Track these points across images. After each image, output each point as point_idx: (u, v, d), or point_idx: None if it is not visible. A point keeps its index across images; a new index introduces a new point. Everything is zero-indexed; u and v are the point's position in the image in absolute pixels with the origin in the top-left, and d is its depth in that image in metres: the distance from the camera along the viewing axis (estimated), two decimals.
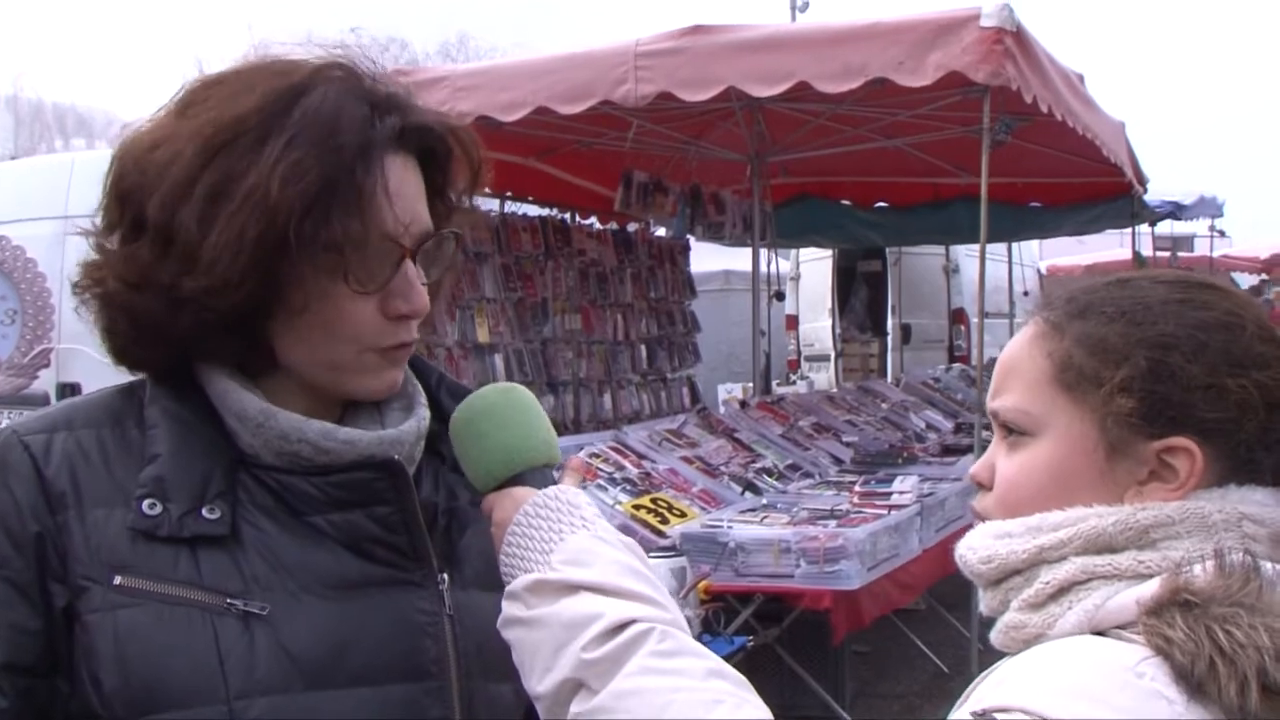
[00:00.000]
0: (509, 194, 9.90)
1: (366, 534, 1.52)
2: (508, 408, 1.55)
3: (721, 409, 9.32)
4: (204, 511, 1.46)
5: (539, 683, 1.37)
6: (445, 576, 1.55)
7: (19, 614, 1.43)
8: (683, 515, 6.21)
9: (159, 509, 1.45)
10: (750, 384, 11.07)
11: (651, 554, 4.85)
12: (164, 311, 1.46)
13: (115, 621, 1.41)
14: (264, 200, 1.41)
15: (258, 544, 1.47)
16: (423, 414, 1.61)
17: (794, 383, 15.22)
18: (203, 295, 1.43)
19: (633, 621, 1.35)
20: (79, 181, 9.14)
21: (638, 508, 6.12)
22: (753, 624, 5.79)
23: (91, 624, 1.42)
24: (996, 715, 1.24)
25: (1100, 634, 1.32)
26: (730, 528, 5.95)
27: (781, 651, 6.09)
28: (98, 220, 1.54)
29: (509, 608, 1.42)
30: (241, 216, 1.41)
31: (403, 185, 1.50)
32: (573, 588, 1.39)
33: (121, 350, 1.54)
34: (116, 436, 1.52)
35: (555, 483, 1.51)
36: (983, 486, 1.51)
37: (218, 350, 1.51)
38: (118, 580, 1.42)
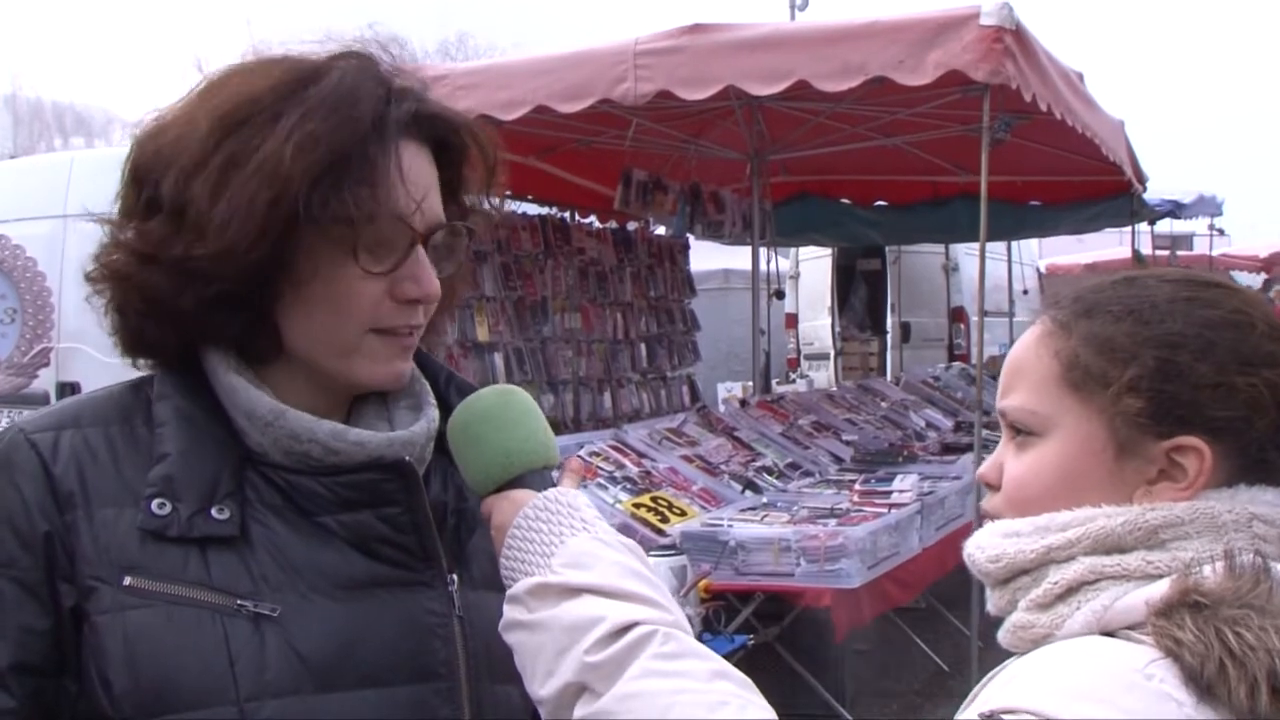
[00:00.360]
0: (508, 193, 9.87)
1: (375, 534, 1.51)
2: (505, 410, 1.54)
3: (721, 407, 9.32)
4: (213, 512, 1.45)
5: (541, 686, 1.36)
6: (454, 577, 1.55)
7: (27, 614, 1.42)
8: (683, 514, 6.20)
9: (168, 509, 1.44)
10: (750, 382, 11.07)
11: (651, 552, 4.84)
12: (174, 285, 1.46)
13: (125, 622, 1.41)
14: (276, 169, 1.41)
15: (267, 544, 1.47)
16: (432, 414, 1.60)
17: (794, 381, 15.22)
18: (212, 262, 1.42)
19: (635, 624, 1.34)
20: (78, 180, 9.14)
21: (638, 506, 6.11)
22: (753, 623, 5.78)
23: (101, 625, 1.41)
24: (1004, 717, 1.23)
25: (1109, 635, 1.31)
26: (730, 526, 5.94)
27: (782, 650, 6.08)
28: (114, 208, 1.54)
29: (510, 611, 1.41)
30: (253, 184, 1.41)
31: (414, 169, 1.50)
32: (574, 591, 1.38)
33: (134, 333, 1.53)
34: (125, 434, 1.51)
35: (554, 484, 1.51)
36: (991, 486, 1.50)
37: (225, 329, 1.50)
38: (127, 581, 1.42)
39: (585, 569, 1.39)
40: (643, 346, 11.35)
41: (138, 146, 1.52)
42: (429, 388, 1.65)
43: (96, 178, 8.47)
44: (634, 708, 1.30)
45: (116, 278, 1.51)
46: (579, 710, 1.33)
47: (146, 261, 1.47)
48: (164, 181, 1.46)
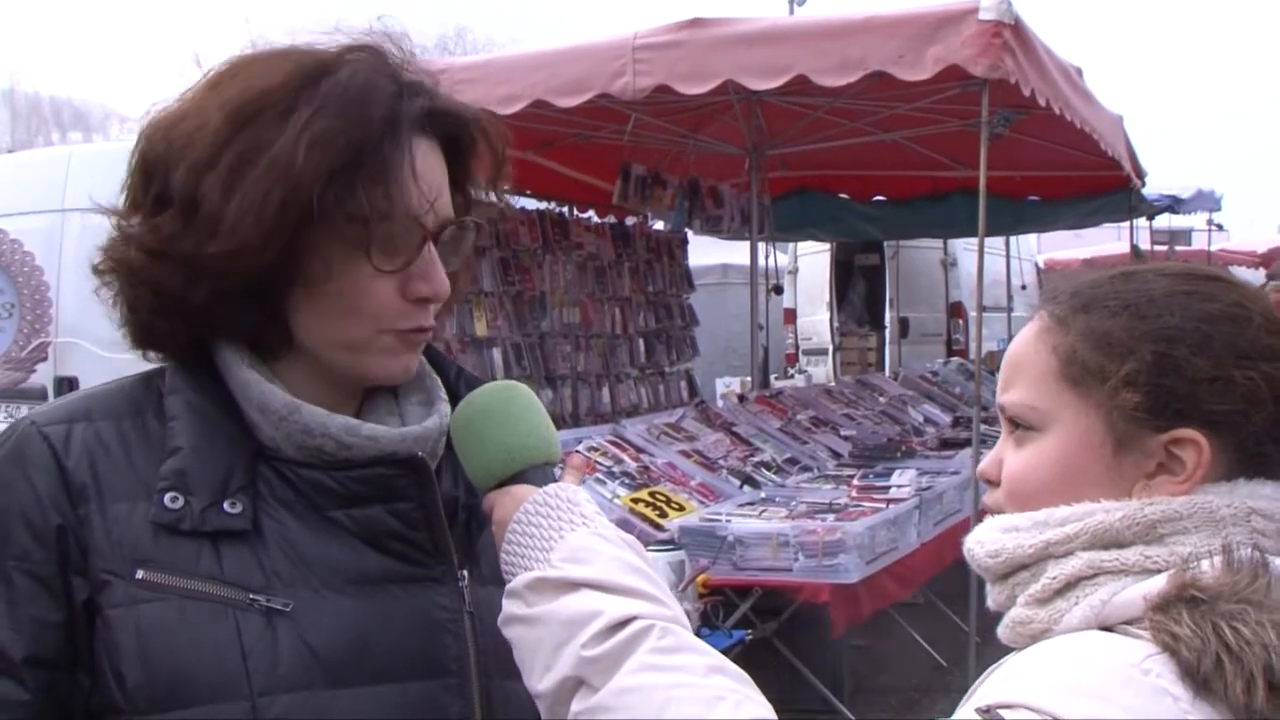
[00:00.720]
0: (507, 188, 9.85)
1: (387, 530, 1.51)
2: (507, 406, 1.54)
3: (719, 403, 9.31)
4: (225, 505, 1.45)
5: (539, 681, 1.36)
6: (465, 573, 1.55)
7: (40, 607, 1.42)
8: (681, 509, 6.20)
9: (181, 503, 1.44)
10: (748, 378, 11.06)
11: (650, 547, 4.84)
12: (185, 281, 1.46)
13: (138, 616, 1.41)
14: (289, 167, 1.41)
15: (279, 539, 1.47)
16: (444, 409, 1.60)
17: (792, 376, 15.21)
18: (224, 261, 1.42)
19: (633, 618, 1.34)
20: (76, 174, 9.13)
21: (636, 501, 6.11)
22: (751, 618, 5.78)
23: (113, 618, 1.41)
24: (1002, 712, 1.23)
25: (1107, 630, 1.31)
26: (728, 521, 5.94)
27: (780, 645, 6.08)
28: (121, 200, 1.53)
29: (509, 606, 1.42)
30: (266, 182, 1.41)
31: (428, 168, 1.50)
32: (573, 585, 1.38)
33: (143, 328, 1.53)
34: (137, 428, 1.51)
35: (556, 480, 1.50)
36: (990, 482, 1.51)
37: (235, 323, 1.50)
38: (140, 574, 1.42)
39: (584, 564, 1.39)
40: (641, 342, 11.35)
41: (146, 139, 1.51)
42: (440, 383, 1.65)
43: (94, 173, 8.46)
44: (630, 702, 1.30)
45: (126, 273, 1.50)
46: (576, 704, 1.33)
47: (157, 257, 1.47)
48: (174, 176, 1.46)
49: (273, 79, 1.46)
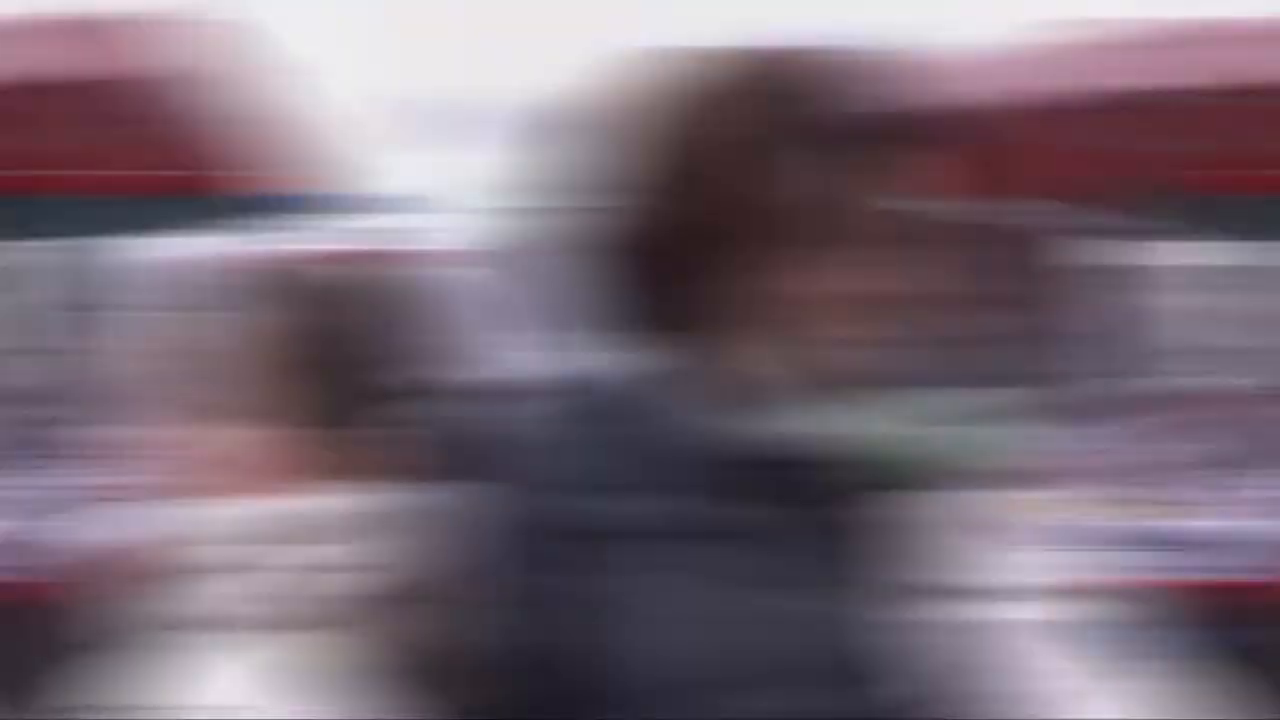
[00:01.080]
0: (985, 191, 9.53)
1: (793, 531, 1.49)
2: (955, 412, 1.54)
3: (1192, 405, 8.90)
4: (675, 505, 1.47)
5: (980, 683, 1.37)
6: (867, 579, 1.49)
7: (527, 606, 1.49)
8: (1148, 510, 6.06)
9: (636, 502, 1.48)
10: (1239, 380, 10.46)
11: (1103, 548, 4.76)
12: (655, 255, 1.49)
13: (613, 612, 1.46)
14: (725, 153, 1.45)
15: (708, 538, 1.48)
16: (875, 412, 1.53)
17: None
18: (688, 237, 1.47)
19: (1039, 625, 1.39)
20: (500, 174, 9.41)
21: (1097, 503, 5.99)
22: (1209, 623, 5.58)
23: (590, 614, 1.46)
24: None
25: None
26: (1193, 523, 5.78)
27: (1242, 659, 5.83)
28: (584, 186, 1.57)
29: (912, 612, 1.42)
30: (737, 165, 1.45)
31: (882, 163, 1.48)
32: (982, 592, 1.40)
33: (615, 310, 1.56)
34: (611, 425, 1.53)
35: (990, 491, 1.51)
36: None
37: (685, 304, 1.51)
38: (608, 576, 1.46)
39: (997, 571, 1.42)
40: (1101, 342, 10.93)
41: (608, 123, 1.54)
42: (884, 386, 1.59)
43: (509, 173, 8.60)
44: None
45: (592, 253, 1.54)
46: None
47: (623, 234, 1.51)
48: (646, 153, 1.50)
49: (732, 70, 1.50)
